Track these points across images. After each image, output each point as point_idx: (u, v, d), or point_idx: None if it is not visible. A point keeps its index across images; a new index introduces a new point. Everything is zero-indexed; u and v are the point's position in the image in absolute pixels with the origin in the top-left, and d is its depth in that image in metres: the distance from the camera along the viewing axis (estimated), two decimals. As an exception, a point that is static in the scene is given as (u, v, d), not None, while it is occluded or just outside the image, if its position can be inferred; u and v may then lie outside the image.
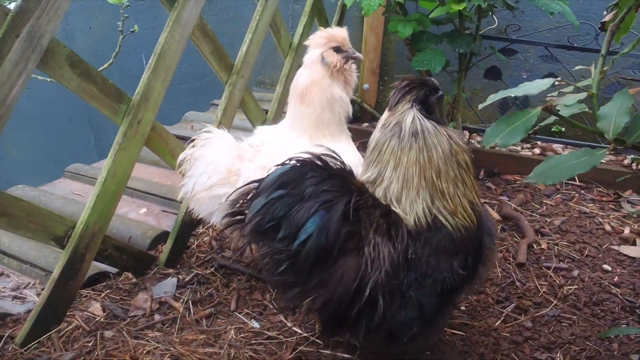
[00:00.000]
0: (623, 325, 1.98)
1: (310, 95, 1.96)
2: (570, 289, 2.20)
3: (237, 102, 2.69)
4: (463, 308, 2.08)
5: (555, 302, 2.11)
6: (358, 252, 1.31)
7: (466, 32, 2.74)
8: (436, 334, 1.70)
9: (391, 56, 3.89)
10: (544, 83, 1.35)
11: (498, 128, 1.31)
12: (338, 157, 1.37)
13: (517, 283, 2.24)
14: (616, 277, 2.28)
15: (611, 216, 2.78)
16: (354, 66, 2.10)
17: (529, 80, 3.59)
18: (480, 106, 1.50)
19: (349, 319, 1.33)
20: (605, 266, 2.35)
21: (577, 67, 1.38)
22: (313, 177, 1.22)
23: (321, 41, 1.99)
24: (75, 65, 1.79)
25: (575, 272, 2.30)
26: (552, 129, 3.71)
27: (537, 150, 3.55)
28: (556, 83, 1.35)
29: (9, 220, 1.69)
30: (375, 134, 1.50)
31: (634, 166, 1.78)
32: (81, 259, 1.90)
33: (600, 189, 3.07)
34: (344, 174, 1.33)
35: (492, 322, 2.00)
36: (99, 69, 2.06)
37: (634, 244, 2.53)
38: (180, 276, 2.23)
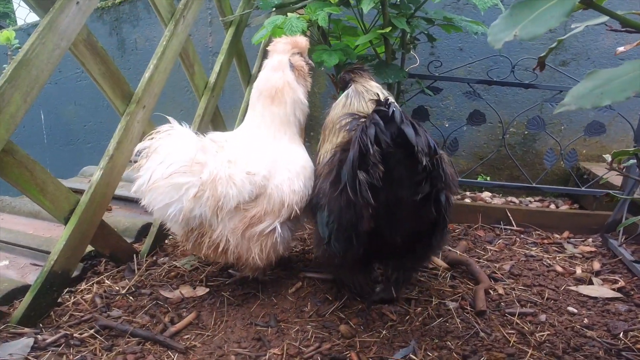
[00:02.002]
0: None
1: (283, 95, 2.02)
2: (542, 335, 1.85)
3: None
4: (424, 369, 1.64)
5: (530, 351, 1.75)
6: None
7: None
8: None
9: (316, 110, 3.64)
10: None
11: (514, 17, 0.91)
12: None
13: (482, 334, 1.85)
14: (585, 319, 1.99)
15: (558, 258, 2.57)
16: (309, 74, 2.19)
17: (451, 128, 3.61)
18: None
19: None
20: (570, 308, 2.06)
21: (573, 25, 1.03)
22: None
23: (287, 47, 2.06)
24: None
25: (543, 317, 1.98)
26: (478, 179, 3.60)
27: (467, 200, 3.37)
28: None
29: None
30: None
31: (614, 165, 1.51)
32: None
33: (538, 232, 2.90)
34: None
35: (464, 383, 1.57)
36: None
37: (590, 283, 2.29)
38: (39, 336, 1.70)
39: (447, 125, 3.54)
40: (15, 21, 7.99)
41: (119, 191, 2.12)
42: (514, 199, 3.47)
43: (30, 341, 1.66)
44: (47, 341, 1.67)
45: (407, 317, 1.94)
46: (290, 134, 2.07)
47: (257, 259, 1.89)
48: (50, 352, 1.61)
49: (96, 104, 5.04)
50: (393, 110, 1.44)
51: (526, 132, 3.55)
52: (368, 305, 1.99)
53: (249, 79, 3.32)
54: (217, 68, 2.84)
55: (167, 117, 1.86)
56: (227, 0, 2.99)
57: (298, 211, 1.94)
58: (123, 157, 2.10)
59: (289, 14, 2.40)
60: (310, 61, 2.11)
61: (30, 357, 1.57)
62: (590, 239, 2.79)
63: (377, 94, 1.93)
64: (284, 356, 1.68)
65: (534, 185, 2.99)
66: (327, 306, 1.99)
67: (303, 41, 2.08)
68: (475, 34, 2.34)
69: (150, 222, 2.58)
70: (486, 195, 3.51)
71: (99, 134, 5.16)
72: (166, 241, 2.56)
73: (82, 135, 5.32)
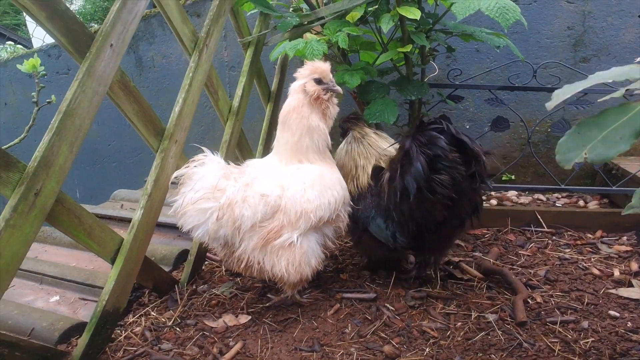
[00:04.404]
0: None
1: (289, 121, 2.07)
2: (587, 342, 1.86)
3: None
4: (471, 385, 1.66)
5: (576, 359, 1.75)
6: None
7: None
8: None
9: (336, 121, 3.64)
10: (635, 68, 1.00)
11: (582, 135, 0.87)
12: None
13: (525, 344, 1.87)
14: (629, 322, 1.99)
15: (593, 259, 2.56)
16: (335, 100, 2.16)
17: (472, 129, 3.60)
18: (550, 105, 1.05)
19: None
20: (612, 312, 2.06)
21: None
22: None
23: (305, 72, 2.09)
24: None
25: (585, 324, 1.98)
26: (503, 178, 3.59)
27: (493, 202, 3.36)
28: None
29: None
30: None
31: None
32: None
33: (570, 233, 2.88)
34: None
35: (515, 399, 1.59)
36: (5, 146, 1.63)
37: (630, 285, 2.28)
38: (99, 375, 1.74)
39: (467, 127, 3.53)
40: (27, 33, 8.14)
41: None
42: (541, 196, 3.45)
43: (92, 381, 1.71)
44: (107, 381, 1.72)
45: (448, 333, 1.96)
46: (309, 158, 2.08)
47: (287, 274, 1.97)
48: (112, 393, 1.66)
49: (118, 123, 5.10)
50: (447, 125, 1.89)
51: (549, 130, 3.53)
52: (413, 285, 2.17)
53: (269, 96, 3.35)
54: (239, 92, 2.87)
55: (202, 147, 2.07)
56: (244, 21, 3.01)
57: (316, 220, 1.96)
58: (160, 192, 2.15)
59: (307, 35, 2.42)
60: (334, 86, 2.07)
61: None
62: (624, 238, 2.77)
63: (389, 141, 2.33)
64: (333, 382, 1.71)
65: (562, 187, 2.97)
66: (367, 326, 2.02)
67: (322, 65, 2.07)
68: (497, 47, 2.32)
69: (186, 248, 2.63)
70: (512, 194, 3.49)
71: (123, 152, 5.23)
72: (203, 267, 2.61)
73: (107, 154, 5.40)
